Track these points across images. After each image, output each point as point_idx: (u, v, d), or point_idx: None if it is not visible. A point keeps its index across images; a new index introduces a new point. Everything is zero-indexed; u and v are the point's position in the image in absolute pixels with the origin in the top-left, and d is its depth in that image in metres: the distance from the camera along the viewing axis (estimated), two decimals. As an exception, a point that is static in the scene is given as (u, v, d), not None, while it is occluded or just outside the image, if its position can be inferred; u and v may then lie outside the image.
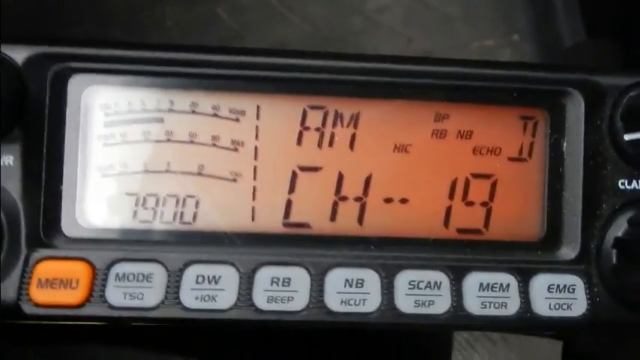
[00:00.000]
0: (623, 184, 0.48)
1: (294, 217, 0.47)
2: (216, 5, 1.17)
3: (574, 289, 0.47)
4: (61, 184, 0.46)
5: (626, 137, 0.47)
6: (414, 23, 1.13)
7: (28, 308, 0.44)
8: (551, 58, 1.01)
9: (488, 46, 1.10)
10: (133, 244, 0.46)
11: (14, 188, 0.45)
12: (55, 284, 0.44)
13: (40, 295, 0.44)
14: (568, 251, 0.48)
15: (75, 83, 0.46)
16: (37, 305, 0.44)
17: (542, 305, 0.47)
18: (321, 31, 1.13)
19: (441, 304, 0.46)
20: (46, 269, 0.44)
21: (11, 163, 0.45)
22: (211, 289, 0.45)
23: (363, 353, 0.62)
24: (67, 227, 0.46)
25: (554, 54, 0.99)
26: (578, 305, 0.47)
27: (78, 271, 0.45)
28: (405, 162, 0.48)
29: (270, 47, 1.13)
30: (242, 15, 1.17)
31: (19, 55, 0.45)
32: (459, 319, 0.46)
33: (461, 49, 1.11)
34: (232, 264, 0.46)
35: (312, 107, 0.47)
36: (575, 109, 0.48)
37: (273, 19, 1.16)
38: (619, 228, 0.47)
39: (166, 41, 1.15)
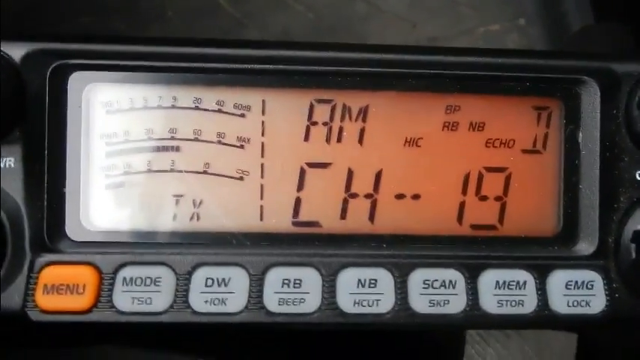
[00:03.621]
0: None
1: (303, 216, 0.46)
2: (217, -6, 1.16)
3: (592, 285, 0.46)
4: (64, 185, 0.45)
5: (643, 127, 0.45)
6: (418, 8, 1.12)
7: (34, 315, 0.43)
8: (558, 43, 0.99)
9: (494, 30, 1.09)
10: (140, 246, 0.45)
11: (16, 191, 0.44)
12: (61, 290, 0.43)
13: (46, 300, 0.43)
14: (585, 246, 0.47)
15: (75, 80, 0.45)
16: (43, 312, 0.43)
17: (560, 302, 0.46)
18: (325, 18, 1.12)
19: (456, 304, 0.45)
20: (51, 274, 0.44)
21: (12, 164, 0.44)
22: (221, 292, 0.44)
23: (376, 347, 0.62)
24: (72, 230, 0.45)
25: (561, 38, 0.98)
26: (596, 301, 0.46)
27: (84, 275, 0.44)
28: (416, 156, 0.46)
29: (272, 36, 1.12)
30: (243, 3, 1.16)
31: (17, 52, 0.44)
32: (475, 318, 0.45)
33: (466, 34, 1.10)
34: (242, 265, 0.45)
35: (319, 101, 0.46)
36: (591, 98, 0.47)
37: (275, 7, 1.15)
38: (638, 221, 0.46)
39: (167, 31, 1.14)
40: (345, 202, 0.46)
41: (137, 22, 1.17)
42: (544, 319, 0.46)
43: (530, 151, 0.47)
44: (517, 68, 0.46)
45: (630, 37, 0.78)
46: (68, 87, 0.45)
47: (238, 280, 0.44)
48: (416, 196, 0.47)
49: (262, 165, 0.46)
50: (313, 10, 1.16)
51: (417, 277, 0.45)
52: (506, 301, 0.45)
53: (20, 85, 0.43)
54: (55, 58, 0.44)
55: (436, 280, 0.45)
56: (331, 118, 0.46)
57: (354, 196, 0.46)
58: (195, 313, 0.44)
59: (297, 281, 0.45)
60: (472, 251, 0.46)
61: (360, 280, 0.45)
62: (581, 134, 0.47)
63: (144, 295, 0.44)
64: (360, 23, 1.17)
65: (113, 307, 0.44)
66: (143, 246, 0.45)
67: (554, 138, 0.47)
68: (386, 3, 1.15)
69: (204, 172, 0.46)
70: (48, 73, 0.44)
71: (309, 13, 1.16)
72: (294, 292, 0.45)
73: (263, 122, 0.46)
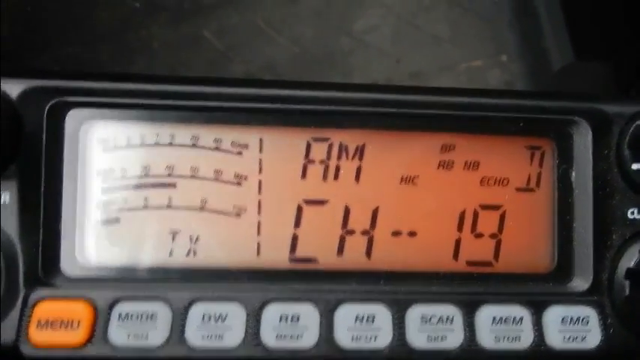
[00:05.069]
0: (632, 213, 0.47)
1: (300, 252, 0.47)
2: (203, 27, 1.17)
3: (588, 321, 0.47)
4: (60, 221, 0.45)
5: (634, 166, 0.47)
6: (402, 44, 1.13)
7: (27, 350, 0.43)
8: (540, 79, 1.01)
9: (476, 66, 1.10)
10: (136, 282, 0.45)
11: (11, 226, 0.44)
12: (55, 325, 0.43)
13: (39, 336, 0.43)
14: (580, 282, 0.48)
15: (72, 118, 0.45)
16: (36, 347, 0.43)
17: (556, 338, 0.46)
18: (310, 52, 1.13)
19: (453, 339, 0.46)
20: (45, 309, 0.43)
21: (7, 200, 0.44)
22: (218, 328, 0.44)
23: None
24: (67, 266, 0.45)
25: (543, 74, 1.00)
26: (592, 337, 0.47)
27: (79, 311, 0.44)
28: (412, 194, 0.47)
29: (257, 68, 1.13)
30: (228, 36, 1.17)
31: (14, 89, 0.44)
32: (472, 353, 0.46)
33: (449, 69, 1.11)
34: (239, 301, 0.45)
35: (317, 139, 0.47)
36: (583, 138, 0.48)
37: (260, 40, 1.16)
38: (631, 258, 0.47)
39: (153, 62, 1.15)
40: (342, 238, 0.47)
41: (123, 53, 1.17)
42: (540, 354, 0.46)
43: (524, 189, 0.48)
44: (511, 109, 0.48)
45: (611, 75, 0.80)
46: (65, 124, 0.45)
47: (235, 315, 0.44)
48: (412, 233, 0.47)
49: (259, 202, 0.46)
50: (298, 43, 1.17)
51: (414, 313, 0.46)
52: (503, 336, 0.46)
53: (17, 121, 0.43)
54: (52, 96, 0.44)
55: (433, 316, 0.46)
56: (328, 157, 0.47)
57: (351, 232, 0.47)
58: (191, 348, 0.44)
59: (295, 317, 0.45)
60: (468, 287, 0.47)
61: (357, 316, 0.45)
62: (573, 173, 0.48)
63: (139, 330, 0.44)
64: (345, 57, 1.18)
65: (108, 342, 0.43)
66: (139, 281, 0.45)
67: (547, 177, 0.48)
68: (370, 38, 1.17)
69: (201, 209, 0.46)
70: (45, 110, 0.44)
71: (293, 46, 1.17)
72: (291, 327, 0.45)
73: (260, 160, 0.46)
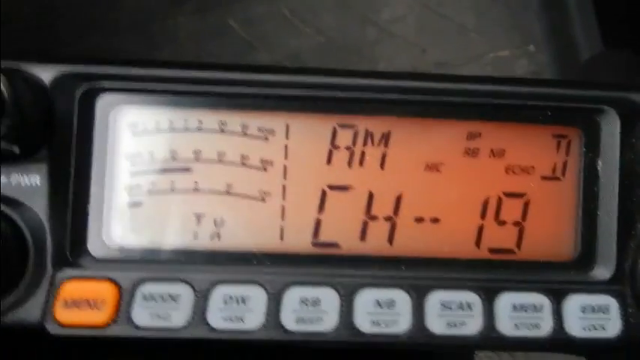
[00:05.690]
0: None
1: (323, 237, 0.47)
2: (229, 17, 1.17)
3: (608, 310, 0.46)
4: (88, 203, 0.46)
5: (662, 156, 0.46)
6: (428, 34, 1.13)
7: (52, 328, 0.44)
8: (567, 69, 1.00)
9: (503, 56, 1.10)
10: (160, 264, 0.46)
11: (40, 208, 0.44)
12: (80, 304, 0.44)
13: (65, 315, 0.44)
14: (602, 271, 0.47)
15: (103, 102, 0.46)
16: (61, 325, 0.44)
17: (576, 326, 0.46)
18: (335, 42, 1.13)
19: (472, 325, 0.46)
20: (71, 289, 0.44)
21: (38, 182, 0.44)
22: (239, 310, 0.45)
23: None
24: (94, 247, 0.46)
25: (570, 65, 0.99)
26: (612, 326, 0.46)
27: (104, 291, 0.44)
28: (437, 181, 0.47)
29: (283, 58, 1.13)
30: (255, 26, 1.17)
31: (46, 74, 0.44)
32: (490, 340, 0.46)
33: (475, 59, 1.11)
34: (260, 284, 0.45)
35: (342, 126, 0.47)
36: (611, 127, 0.47)
37: (286, 30, 1.16)
38: None
39: (178, 53, 1.16)
40: (365, 224, 0.47)
41: (149, 43, 1.18)
42: (559, 342, 0.46)
43: (550, 177, 0.48)
44: (538, 97, 0.47)
45: (639, 66, 0.79)
46: (96, 108, 0.46)
47: (256, 298, 0.45)
48: (435, 220, 0.47)
49: (284, 187, 0.47)
50: (323, 33, 1.17)
51: (434, 299, 0.46)
52: (522, 323, 0.46)
53: (49, 106, 0.44)
54: (83, 81, 0.45)
55: (453, 302, 0.46)
56: (354, 143, 0.47)
57: (374, 218, 0.47)
58: (212, 329, 0.45)
59: (316, 300, 0.45)
60: (489, 274, 0.47)
61: (377, 301, 0.46)
62: (600, 162, 0.48)
63: (162, 311, 0.44)
64: (370, 47, 1.18)
65: (131, 322, 0.44)
66: (163, 263, 0.46)
67: (573, 165, 0.48)
68: (396, 28, 1.16)
69: (227, 193, 0.46)
70: (76, 95, 0.45)
71: (319, 36, 1.17)
72: (312, 310, 0.45)
73: (286, 146, 0.47)
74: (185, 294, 0.45)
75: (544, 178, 0.48)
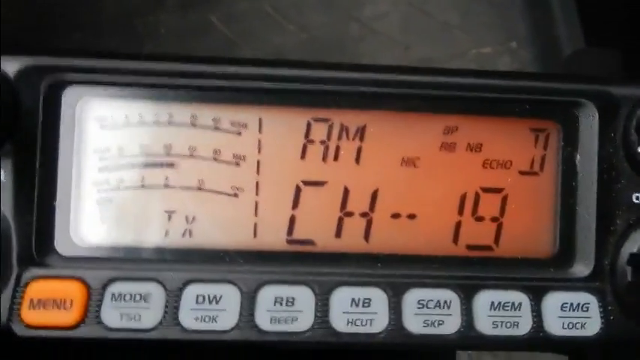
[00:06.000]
0: (637, 198, 0.46)
1: (297, 234, 0.46)
2: (211, 13, 1.16)
3: (588, 308, 0.46)
4: (55, 200, 0.44)
5: (640, 150, 0.46)
6: (411, 30, 1.12)
7: (19, 329, 0.43)
8: (550, 66, 1.00)
9: (486, 53, 1.09)
10: (130, 262, 0.44)
11: (5, 205, 0.43)
12: (47, 305, 0.43)
13: (31, 316, 0.43)
14: (581, 268, 0.47)
15: (69, 95, 0.44)
16: (28, 326, 0.43)
17: (555, 324, 0.45)
18: (318, 39, 1.12)
19: (450, 324, 0.45)
20: (38, 289, 0.43)
21: (2, 178, 0.43)
22: (212, 310, 0.44)
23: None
24: (61, 245, 0.44)
25: (553, 61, 0.99)
26: (592, 324, 0.46)
27: (72, 291, 0.43)
28: (413, 176, 0.46)
29: (266, 55, 1.12)
30: (237, 23, 1.16)
31: (10, 66, 0.43)
32: (469, 339, 0.45)
33: (459, 56, 1.11)
34: (234, 283, 0.44)
35: (317, 120, 0.46)
36: (589, 120, 0.47)
37: (268, 27, 1.15)
38: (634, 244, 0.46)
39: (160, 49, 1.14)
40: (340, 220, 0.46)
41: (131, 40, 1.17)
42: (539, 340, 0.45)
43: (528, 172, 0.47)
44: (516, 90, 0.47)
45: (620, 62, 0.79)
46: (62, 101, 0.44)
47: (230, 297, 0.44)
48: (412, 216, 0.46)
49: (257, 182, 0.46)
50: (306, 30, 1.16)
51: (411, 297, 0.45)
52: (501, 322, 0.45)
53: (13, 99, 0.43)
54: (49, 73, 0.44)
55: (431, 301, 0.45)
56: (328, 137, 0.46)
57: (350, 214, 0.46)
58: (184, 330, 0.43)
59: (290, 299, 0.44)
60: (467, 272, 0.46)
61: (354, 300, 0.45)
62: (578, 156, 0.47)
63: (132, 311, 0.43)
64: (354, 44, 1.17)
65: (101, 322, 0.43)
66: (133, 262, 0.44)
67: (551, 160, 0.47)
68: (380, 25, 1.16)
69: (198, 189, 0.45)
70: (42, 88, 0.44)
71: (302, 33, 1.16)
72: (286, 310, 0.44)
73: (259, 140, 0.46)
74: (156, 293, 0.44)
75: (522, 172, 0.47)
